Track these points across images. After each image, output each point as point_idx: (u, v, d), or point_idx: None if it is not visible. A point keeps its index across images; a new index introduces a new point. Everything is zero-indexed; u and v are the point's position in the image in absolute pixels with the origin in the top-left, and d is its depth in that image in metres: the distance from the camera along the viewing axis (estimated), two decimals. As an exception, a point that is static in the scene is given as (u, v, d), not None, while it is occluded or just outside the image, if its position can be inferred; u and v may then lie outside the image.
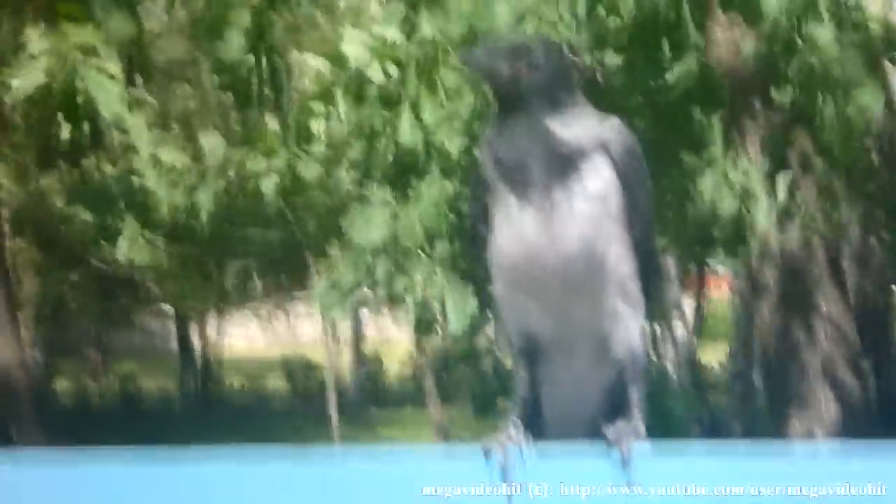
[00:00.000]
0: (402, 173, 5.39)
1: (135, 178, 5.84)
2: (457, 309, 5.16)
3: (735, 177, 5.81)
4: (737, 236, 5.86)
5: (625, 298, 2.48)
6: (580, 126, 2.45)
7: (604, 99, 5.95)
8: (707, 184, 5.85)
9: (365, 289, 5.38)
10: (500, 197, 2.44)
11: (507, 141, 2.44)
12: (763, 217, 5.89)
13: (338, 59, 5.37)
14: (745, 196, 5.89)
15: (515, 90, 2.48)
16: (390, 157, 5.32)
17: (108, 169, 6.01)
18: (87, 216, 5.57)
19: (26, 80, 5.45)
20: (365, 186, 5.56)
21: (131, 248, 5.90)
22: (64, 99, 5.48)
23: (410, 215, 5.23)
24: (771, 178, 6.52)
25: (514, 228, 2.42)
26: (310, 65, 5.85)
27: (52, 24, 5.68)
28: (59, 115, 5.65)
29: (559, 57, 2.52)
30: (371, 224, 5.26)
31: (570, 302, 2.47)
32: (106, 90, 5.45)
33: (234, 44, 6.19)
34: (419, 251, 5.17)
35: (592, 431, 2.47)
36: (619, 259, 2.45)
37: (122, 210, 5.84)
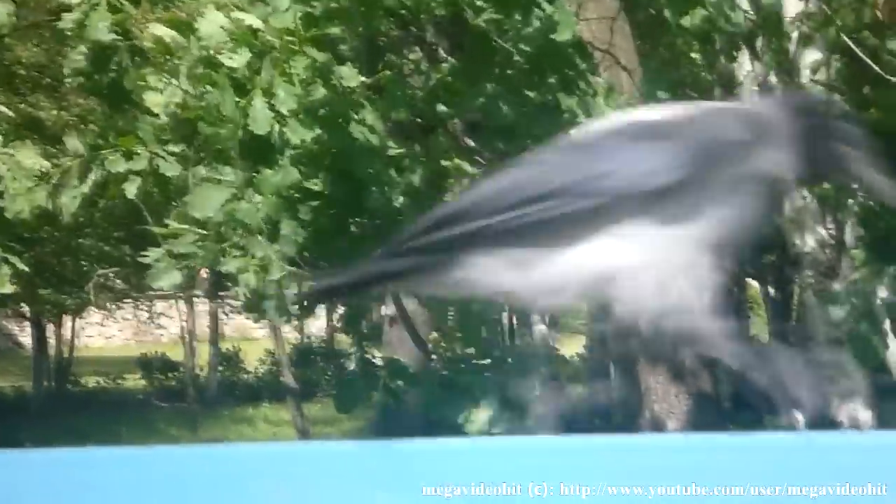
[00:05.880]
0: (251, 158, 5.27)
1: None
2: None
3: None
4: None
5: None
6: None
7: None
8: None
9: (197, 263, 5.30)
10: None
11: None
12: None
13: (186, 32, 5.20)
14: None
15: None
16: (239, 139, 5.17)
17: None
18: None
19: None
20: (212, 168, 5.42)
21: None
22: None
23: (253, 199, 5.15)
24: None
25: None
26: (157, 35, 5.54)
27: None
28: None
29: None
30: (210, 201, 5.17)
31: None
32: None
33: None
34: (258, 234, 5.11)
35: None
36: None
37: None
